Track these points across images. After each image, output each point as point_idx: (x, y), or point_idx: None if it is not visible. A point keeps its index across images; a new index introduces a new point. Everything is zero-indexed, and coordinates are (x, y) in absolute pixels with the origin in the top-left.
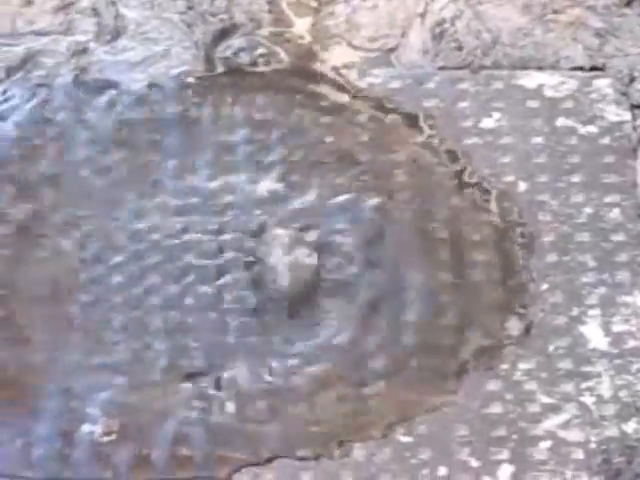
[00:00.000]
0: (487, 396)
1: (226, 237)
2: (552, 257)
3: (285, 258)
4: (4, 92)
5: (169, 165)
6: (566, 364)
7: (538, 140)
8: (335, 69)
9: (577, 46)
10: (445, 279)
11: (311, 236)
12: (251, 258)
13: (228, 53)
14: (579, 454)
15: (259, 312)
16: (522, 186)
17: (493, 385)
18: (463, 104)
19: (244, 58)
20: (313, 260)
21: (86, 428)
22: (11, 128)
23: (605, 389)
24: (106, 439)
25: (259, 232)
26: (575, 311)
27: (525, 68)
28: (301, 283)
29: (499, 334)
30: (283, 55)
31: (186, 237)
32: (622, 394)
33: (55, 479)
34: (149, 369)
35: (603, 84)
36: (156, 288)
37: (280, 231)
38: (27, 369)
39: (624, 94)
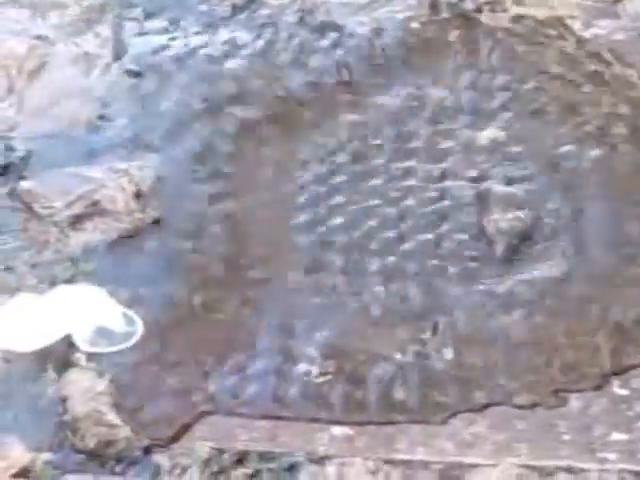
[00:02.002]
0: None
1: (447, 184)
2: None
3: (500, 218)
4: (231, 31)
5: (389, 108)
6: None
7: None
8: (559, 19)
9: None
10: None
11: (525, 188)
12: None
13: None
14: None
15: (478, 259)
16: None
17: None
18: None
19: (469, 4)
20: (525, 221)
21: (302, 367)
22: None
23: None
24: (322, 379)
25: (479, 180)
26: None
27: None
28: (515, 236)
29: None
30: (508, 3)
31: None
32: None
33: (270, 417)
34: (366, 312)
35: None
36: (374, 232)
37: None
38: (243, 306)
39: None
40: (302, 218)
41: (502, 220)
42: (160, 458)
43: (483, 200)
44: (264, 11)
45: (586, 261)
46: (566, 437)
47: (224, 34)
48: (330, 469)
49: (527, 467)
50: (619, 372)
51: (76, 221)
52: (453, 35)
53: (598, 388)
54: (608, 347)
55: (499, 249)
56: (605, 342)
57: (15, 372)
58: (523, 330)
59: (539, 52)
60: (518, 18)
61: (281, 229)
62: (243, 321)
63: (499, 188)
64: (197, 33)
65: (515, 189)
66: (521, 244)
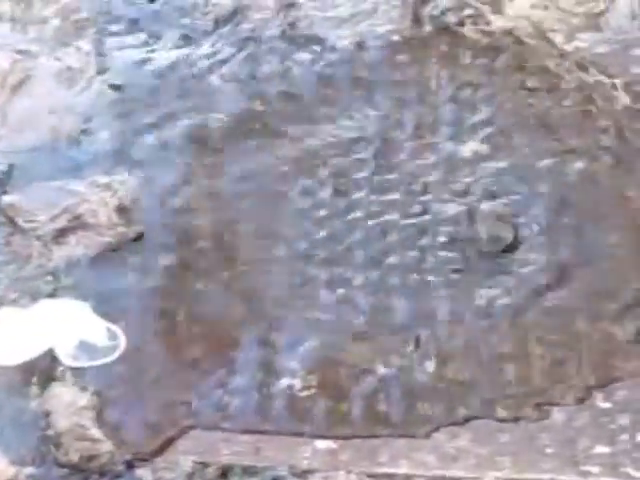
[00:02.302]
0: None
1: (428, 197)
2: None
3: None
4: (212, 45)
5: (371, 121)
6: None
7: None
8: (542, 32)
9: None
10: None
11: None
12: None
13: (435, 12)
14: None
15: (461, 271)
16: None
17: None
18: None
19: (452, 18)
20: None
21: (285, 381)
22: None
23: None
24: (305, 393)
25: (463, 194)
26: None
27: None
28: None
29: None
30: (490, 17)
31: (387, 197)
32: None
33: (253, 431)
34: (349, 325)
35: None
36: (360, 245)
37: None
38: (227, 320)
39: None
40: (286, 231)
41: (485, 232)
42: (143, 472)
43: (467, 213)
44: (247, 25)
45: (570, 273)
46: (549, 450)
47: (206, 48)
48: None
49: None
50: (603, 385)
51: (59, 235)
52: (435, 49)
53: (581, 401)
54: (591, 360)
55: (482, 261)
56: (588, 354)
57: None
58: (506, 342)
59: (520, 66)
60: (500, 32)
61: (265, 243)
62: (226, 335)
63: (483, 201)
64: (179, 47)
65: (499, 202)
66: (504, 256)
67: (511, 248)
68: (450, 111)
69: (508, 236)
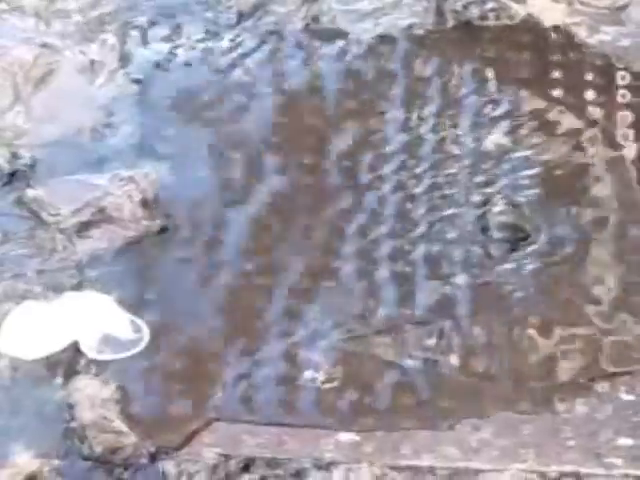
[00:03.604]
0: None
1: (452, 190)
2: None
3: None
4: (235, 38)
5: (394, 116)
6: None
7: None
8: (565, 26)
9: None
10: None
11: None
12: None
13: (458, 6)
14: None
15: (483, 265)
16: None
17: None
18: None
19: (474, 11)
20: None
21: (308, 374)
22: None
23: None
24: (328, 386)
25: (486, 186)
26: None
27: None
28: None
29: None
30: (514, 9)
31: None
32: None
33: (277, 423)
34: (372, 317)
35: None
36: (383, 239)
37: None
38: (250, 312)
39: None
40: (308, 222)
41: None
42: (166, 465)
43: (489, 205)
44: (269, 18)
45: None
46: (572, 442)
47: (229, 41)
48: (336, 475)
49: (533, 472)
50: (624, 377)
51: (82, 228)
52: (457, 43)
53: (604, 394)
54: (614, 352)
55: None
56: (610, 347)
57: (22, 379)
58: (528, 335)
59: (543, 59)
60: (523, 25)
61: (288, 235)
62: (250, 328)
63: (504, 194)
64: (202, 40)
65: (519, 194)
66: (523, 247)
67: (528, 238)
68: (472, 104)
69: (525, 227)
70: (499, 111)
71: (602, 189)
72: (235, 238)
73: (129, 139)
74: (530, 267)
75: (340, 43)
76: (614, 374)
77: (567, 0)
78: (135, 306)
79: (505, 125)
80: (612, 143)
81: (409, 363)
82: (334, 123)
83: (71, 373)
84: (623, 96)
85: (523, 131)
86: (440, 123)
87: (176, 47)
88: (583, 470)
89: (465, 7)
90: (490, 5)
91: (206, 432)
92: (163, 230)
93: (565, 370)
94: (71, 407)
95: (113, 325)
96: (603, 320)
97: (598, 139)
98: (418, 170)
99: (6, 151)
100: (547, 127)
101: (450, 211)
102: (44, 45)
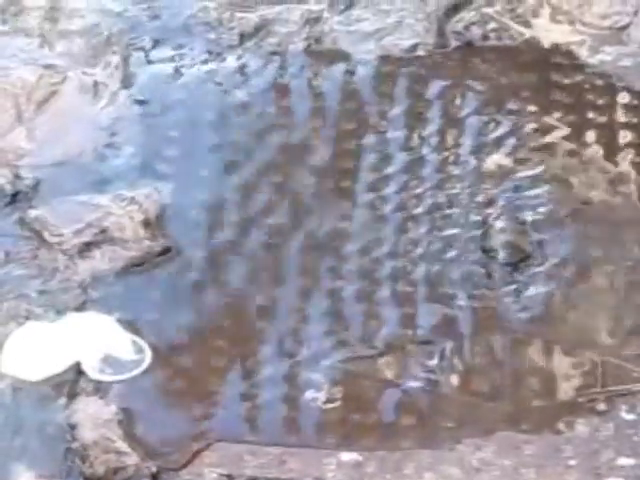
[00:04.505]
0: None
1: (452, 210)
2: None
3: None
4: (238, 59)
5: (395, 136)
6: None
7: None
8: (566, 45)
9: None
10: None
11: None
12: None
13: (460, 27)
14: None
15: (486, 284)
16: None
17: None
18: None
19: (475, 32)
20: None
21: (309, 394)
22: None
23: None
24: (329, 406)
25: (486, 207)
26: None
27: None
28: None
29: None
30: (514, 30)
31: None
32: None
33: (279, 443)
34: (374, 337)
35: None
36: (384, 260)
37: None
38: (252, 333)
39: None
40: (310, 243)
41: (503, 243)
42: None
43: (489, 225)
44: (272, 39)
45: (589, 285)
46: (573, 462)
47: (232, 62)
48: None
49: None
50: (625, 395)
51: (85, 249)
52: (458, 63)
53: (605, 413)
54: (614, 371)
55: (505, 273)
56: (611, 367)
57: (24, 400)
58: (529, 355)
59: (544, 79)
60: (524, 45)
61: (288, 256)
62: (252, 348)
63: (505, 213)
64: (204, 61)
65: (519, 214)
66: (525, 268)
67: (529, 258)
68: (474, 125)
69: (527, 247)
70: (500, 131)
71: (604, 207)
72: (237, 258)
73: (131, 160)
74: (531, 287)
75: (342, 64)
76: (615, 394)
77: (568, 20)
78: (137, 327)
79: (506, 145)
80: (613, 162)
81: (410, 383)
82: (335, 143)
83: (73, 394)
84: (624, 115)
85: (524, 151)
86: (441, 143)
87: (179, 68)
88: None
89: (467, 28)
90: (491, 26)
91: (208, 452)
92: (165, 251)
93: (566, 390)
94: (73, 427)
95: (115, 346)
96: (604, 340)
97: (599, 158)
98: (419, 190)
99: (8, 172)
100: (548, 147)
101: (451, 231)
102: (47, 66)
